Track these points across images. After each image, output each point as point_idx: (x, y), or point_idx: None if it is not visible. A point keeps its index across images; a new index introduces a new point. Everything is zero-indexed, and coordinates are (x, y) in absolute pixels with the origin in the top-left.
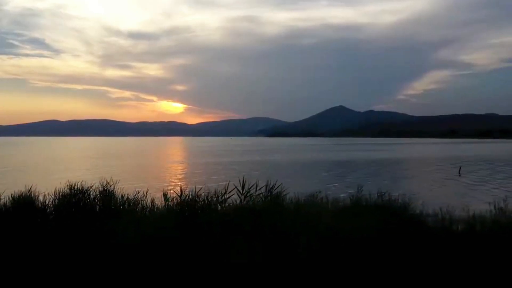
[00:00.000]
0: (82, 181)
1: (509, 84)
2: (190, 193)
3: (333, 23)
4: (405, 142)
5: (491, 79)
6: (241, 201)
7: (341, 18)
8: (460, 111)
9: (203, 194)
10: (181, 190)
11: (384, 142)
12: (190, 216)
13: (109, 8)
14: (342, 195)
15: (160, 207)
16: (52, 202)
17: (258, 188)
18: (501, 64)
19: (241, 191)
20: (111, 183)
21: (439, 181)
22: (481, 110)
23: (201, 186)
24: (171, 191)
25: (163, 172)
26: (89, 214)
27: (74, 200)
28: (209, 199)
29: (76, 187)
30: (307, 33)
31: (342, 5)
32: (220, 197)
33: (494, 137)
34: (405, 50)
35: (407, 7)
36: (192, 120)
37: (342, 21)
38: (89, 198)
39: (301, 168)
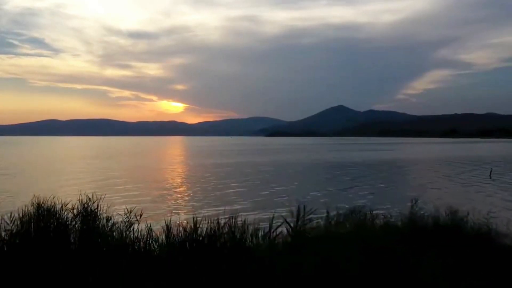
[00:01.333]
0: (54, 197)
1: (509, 84)
2: (209, 225)
3: (333, 23)
4: (409, 141)
5: (491, 79)
6: (292, 238)
7: (341, 17)
8: (460, 111)
9: (228, 226)
10: (194, 222)
11: (387, 142)
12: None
13: (108, 8)
14: (384, 210)
15: (161, 241)
16: (9, 228)
17: (307, 210)
18: (501, 64)
19: (291, 226)
20: (95, 199)
21: (479, 188)
22: (481, 110)
23: (219, 202)
24: (178, 213)
25: (165, 177)
26: (59, 248)
27: (40, 226)
28: (243, 238)
29: (45, 206)
30: (307, 32)
31: (342, 5)
32: (264, 233)
33: (496, 137)
34: (405, 50)
35: (407, 7)
36: (192, 119)
37: (342, 20)
38: (61, 222)
39: (320, 172)
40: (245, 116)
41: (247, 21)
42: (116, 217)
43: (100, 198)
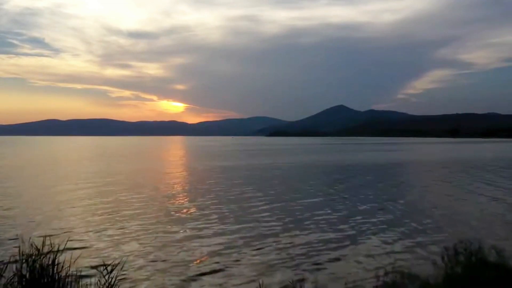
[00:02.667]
0: None
1: (510, 84)
2: None
3: (333, 22)
4: (413, 141)
5: (491, 79)
6: None
7: (341, 17)
8: (460, 111)
9: None
10: None
11: (393, 142)
12: None
13: (108, 7)
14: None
15: None
16: None
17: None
18: (501, 64)
19: None
20: (54, 244)
21: None
22: (482, 110)
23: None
24: (197, 271)
25: (169, 187)
26: None
27: None
28: None
29: None
30: (307, 32)
31: (342, 4)
32: None
33: (499, 137)
34: (405, 49)
35: (407, 6)
36: (192, 119)
37: (342, 20)
38: None
39: (360, 177)
40: (245, 116)
41: (247, 20)
42: (87, 278)
43: (67, 238)
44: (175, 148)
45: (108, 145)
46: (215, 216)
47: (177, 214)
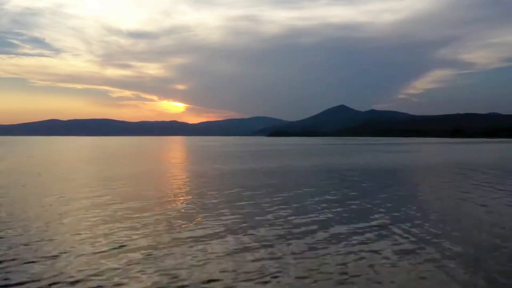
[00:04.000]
0: None
1: (510, 84)
2: None
3: (333, 22)
4: (416, 141)
5: (491, 79)
6: None
7: (341, 17)
8: (461, 111)
9: None
10: None
11: (395, 142)
12: None
13: (108, 7)
14: None
15: None
16: None
17: None
18: (502, 64)
19: None
20: None
21: None
22: (483, 110)
23: None
24: None
25: (174, 201)
26: None
27: None
28: None
29: None
30: (307, 32)
31: (342, 4)
32: None
33: (500, 137)
34: (405, 49)
35: (407, 6)
36: (193, 119)
37: (342, 20)
38: None
39: (384, 184)
40: (245, 116)
41: (247, 20)
42: None
43: None
44: (176, 149)
45: (109, 145)
46: (247, 240)
47: (199, 244)
